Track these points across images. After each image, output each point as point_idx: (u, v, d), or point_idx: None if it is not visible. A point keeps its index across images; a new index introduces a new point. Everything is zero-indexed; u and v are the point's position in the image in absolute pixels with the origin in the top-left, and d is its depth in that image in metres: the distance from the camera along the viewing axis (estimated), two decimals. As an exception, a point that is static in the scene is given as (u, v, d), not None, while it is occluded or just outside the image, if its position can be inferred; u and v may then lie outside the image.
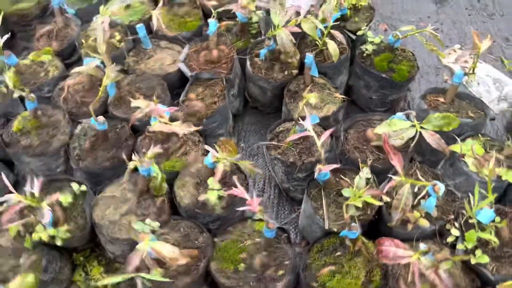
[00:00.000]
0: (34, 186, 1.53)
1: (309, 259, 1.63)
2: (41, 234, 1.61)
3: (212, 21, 2.18)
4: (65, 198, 1.70)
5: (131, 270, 1.34)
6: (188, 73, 2.19)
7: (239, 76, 2.31)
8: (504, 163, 1.79)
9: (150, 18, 2.43)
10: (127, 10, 2.42)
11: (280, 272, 1.58)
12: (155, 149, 1.73)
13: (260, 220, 1.72)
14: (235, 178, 1.67)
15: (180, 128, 1.81)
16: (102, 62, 2.03)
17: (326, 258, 1.61)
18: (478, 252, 1.55)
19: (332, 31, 2.08)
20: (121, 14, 2.39)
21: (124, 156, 1.80)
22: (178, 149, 1.96)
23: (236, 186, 1.52)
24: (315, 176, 1.66)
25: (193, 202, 1.77)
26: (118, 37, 2.30)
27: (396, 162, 1.50)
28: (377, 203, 1.52)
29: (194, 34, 2.42)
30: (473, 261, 1.54)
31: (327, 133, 1.63)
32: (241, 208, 1.52)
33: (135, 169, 1.82)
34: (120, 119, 2.06)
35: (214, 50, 2.20)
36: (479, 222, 1.57)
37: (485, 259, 1.53)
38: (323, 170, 1.60)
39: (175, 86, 2.29)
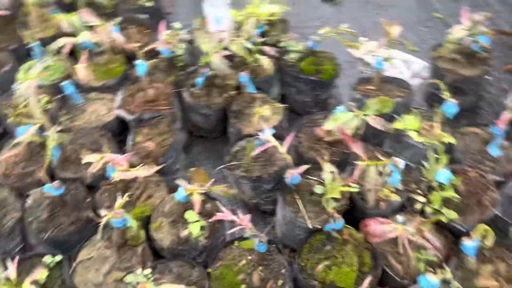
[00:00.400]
0: (9, 269, 1.41)
1: (302, 261, 1.69)
2: (25, 319, 1.48)
3: (140, 62, 2.18)
4: (41, 275, 1.59)
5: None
6: (128, 117, 2.16)
7: (179, 109, 2.32)
8: (439, 128, 2.01)
9: (72, 74, 2.37)
10: (46, 70, 2.33)
11: (280, 282, 1.62)
12: (123, 198, 1.69)
13: (245, 239, 1.75)
14: (209, 206, 1.69)
15: (142, 172, 1.78)
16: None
17: (318, 255, 1.68)
18: (446, 210, 1.72)
19: (262, 47, 2.19)
20: (42, 75, 2.29)
21: (91, 215, 1.73)
22: (141, 194, 1.93)
23: (211, 215, 1.54)
24: (286, 182, 1.73)
25: (174, 241, 1.74)
26: (45, 99, 2.20)
27: (358, 149, 1.63)
28: (354, 189, 1.63)
29: (121, 79, 2.40)
30: (443, 219, 1.70)
31: (289, 139, 1.72)
32: (232, 230, 1.54)
33: (105, 225, 1.76)
34: (71, 180, 1.97)
35: (149, 89, 2.20)
36: (439, 184, 1.75)
37: (453, 215, 1.70)
38: (294, 174, 1.67)
39: (116, 134, 2.24)
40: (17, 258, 1.47)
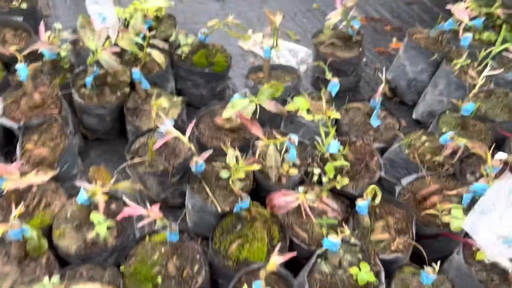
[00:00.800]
0: None
1: (215, 244, 1.73)
2: None
3: (21, 65, 2.03)
4: None
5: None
6: (14, 125, 2.01)
7: (69, 112, 2.22)
8: (326, 107, 2.19)
9: None
10: None
11: (196, 268, 1.64)
12: (18, 209, 1.58)
13: (155, 232, 1.74)
14: (114, 206, 1.66)
15: (36, 178, 1.68)
16: None
17: (230, 236, 1.74)
18: (339, 178, 1.89)
19: (152, 40, 2.18)
20: None
21: (-17, 231, 1.59)
22: (38, 204, 1.81)
23: (118, 214, 1.52)
24: (192, 170, 1.76)
25: (81, 245, 1.67)
26: None
27: (256, 129, 1.71)
28: (258, 167, 1.71)
29: (1, 87, 2.22)
30: (338, 186, 1.87)
31: (191, 126, 1.74)
32: (141, 223, 1.52)
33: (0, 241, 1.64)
34: (-47, 199, 1.79)
35: (35, 93, 2.07)
36: (331, 155, 1.91)
37: (346, 181, 1.87)
38: (199, 161, 1.71)
39: (2, 145, 2.08)
40: None
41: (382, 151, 2.12)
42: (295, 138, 1.79)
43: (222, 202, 1.81)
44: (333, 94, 2.18)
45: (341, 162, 1.88)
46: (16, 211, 1.57)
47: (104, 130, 2.33)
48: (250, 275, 1.60)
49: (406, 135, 2.05)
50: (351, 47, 2.56)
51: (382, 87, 2.07)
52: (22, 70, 2.03)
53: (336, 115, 2.07)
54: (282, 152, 1.85)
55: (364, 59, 3.00)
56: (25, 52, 2.07)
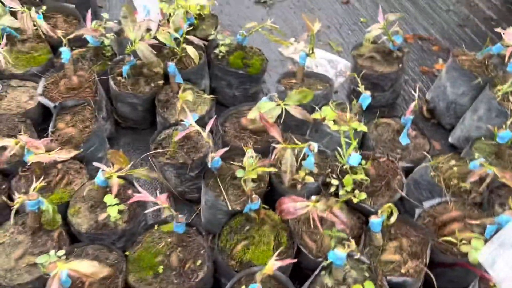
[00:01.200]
0: None
1: (221, 242, 1.73)
2: None
3: (64, 49, 2.14)
4: None
5: (52, 298, 1.27)
6: (50, 104, 2.11)
7: (105, 98, 2.30)
8: (355, 119, 2.14)
9: (-9, 61, 2.28)
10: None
11: (198, 262, 1.65)
12: (39, 182, 1.65)
13: (166, 222, 1.76)
14: (130, 191, 1.69)
15: (60, 155, 1.75)
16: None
17: (237, 236, 1.73)
18: (356, 192, 1.83)
19: (188, 36, 2.22)
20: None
21: (4, 198, 1.68)
22: (60, 181, 1.89)
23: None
24: (209, 166, 1.77)
25: (92, 225, 1.72)
26: (-41, 84, 2.11)
27: (275, 132, 1.70)
28: (269, 169, 1.69)
29: (45, 68, 2.34)
30: (355, 200, 1.81)
31: (210, 122, 1.76)
32: (149, 210, 1.55)
33: (17, 211, 1.71)
34: (-15, 166, 1.89)
35: (73, 76, 2.17)
36: (351, 168, 1.86)
37: (363, 195, 1.81)
38: (215, 157, 1.71)
39: (38, 122, 2.19)
40: None
41: (408, 171, 2.04)
42: (314, 145, 1.76)
43: (234, 201, 1.80)
44: (364, 107, 2.13)
45: (361, 176, 1.83)
46: (36, 184, 1.64)
47: (136, 119, 2.40)
48: (250, 277, 1.58)
49: (434, 157, 1.96)
50: (391, 62, 2.49)
51: (413, 105, 1.99)
52: (65, 53, 2.14)
53: (361, 127, 2.02)
54: (300, 159, 1.82)
55: (406, 77, 2.92)
56: (70, 37, 2.18)
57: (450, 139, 2.49)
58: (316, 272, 1.62)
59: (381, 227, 1.67)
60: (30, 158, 1.70)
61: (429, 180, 1.89)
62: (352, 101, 2.22)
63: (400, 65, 2.47)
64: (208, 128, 1.76)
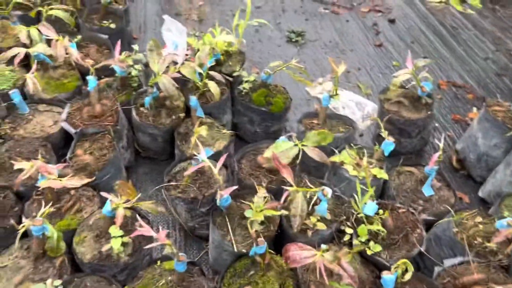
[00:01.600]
0: None
1: (224, 285, 1.65)
2: None
3: (90, 77, 2.19)
4: None
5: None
6: (72, 130, 2.14)
7: (126, 127, 2.33)
8: (376, 165, 2.05)
9: (23, 84, 2.37)
10: (-4, 78, 2.33)
11: (198, 305, 1.58)
12: (47, 208, 1.65)
13: (169, 258, 1.71)
14: (138, 223, 1.66)
15: (72, 182, 1.76)
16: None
17: (241, 280, 1.65)
18: (371, 243, 1.73)
19: (210, 72, 2.23)
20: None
21: (12, 222, 1.68)
22: (71, 207, 1.89)
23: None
24: (217, 203, 1.72)
25: (96, 255, 1.69)
26: (-11, 105, 2.18)
27: (287, 174, 1.64)
28: (277, 213, 1.63)
29: (73, 95, 2.40)
30: (369, 252, 1.71)
31: (222, 159, 1.73)
32: (149, 246, 1.51)
33: (26, 235, 1.71)
34: (2, 187, 1.92)
35: (97, 104, 2.20)
36: (367, 217, 1.76)
37: (378, 247, 1.71)
38: (224, 194, 1.67)
39: (59, 147, 2.22)
40: None
41: (430, 225, 1.92)
42: (328, 190, 1.69)
43: (241, 242, 1.74)
44: (386, 153, 2.04)
45: (377, 227, 1.73)
46: (43, 209, 1.64)
47: (156, 150, 2.40)
48: (248, 326, 1.49)
49: (458, 212, 1.83)
50: (419, 108, 2.41)
51: (438, 155, 1.89)
52: (91, 81, 2.19)
53: (382, 174, 1.94)
54: (312, 203, 1.75)
55: (436, 124, 2.81)
56: (97, 66, 2.24)
57: (480, 193, 2.35)
58: (320, 327, 1.51)
59: (395, 284, 1.55)
60: (42, 183, 1.71)
61: (452, 236, 1.76)
62: (376, 146, 2.14)
63: (429, 112, 2.38)
64: (219, 164, 1.73)
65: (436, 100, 3.00)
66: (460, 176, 2.49)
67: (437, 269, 1.71)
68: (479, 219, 1.80)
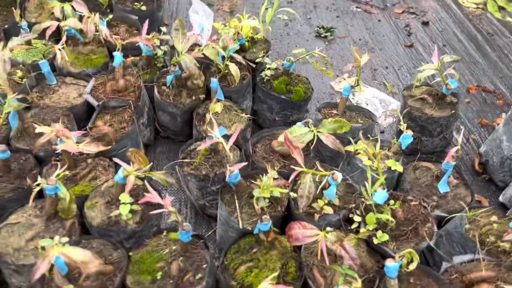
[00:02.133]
0: None
1: (226, 260, 1.66)
2: None
3: (117, 53, 2.25)
4: (-38, 227, 1.59)
5: (36, 278, 1.27)
6: (95, 103, 2.20)
7: (148, 105, 2.37)
8: (393, 158, 2.02)
9: (53, 58, 2.45)
10: (29, 49, 2.42)
11: (198, 276, 1.58)
12: (62, 169, 1.71)
13: (176, 230, 1.73)
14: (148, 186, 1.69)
15: (88, 148, 1.80)
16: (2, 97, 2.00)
17: (243, 257, 1.65)
18: (379, 233, 1.70)
19: (232, 54, 2.25)
20: (22, 50, 2.39)
21: (29, 181, 1.74)
22: (87, 175, 1.94)
23: (149, 203, 1.54)
24: (226, 180, 1.73)
25: (104, 220, 1.73)
26: (20, 73, 2.27)
27: (297, 154, 1.64)
28: (284, 191, 1.62)
29: (99, 70, 2.47)
30: (375, 241, 1.68)
31: (234, 136, 1.74)
32: (155, 211, 1.53)
33: (42, 196, 1.77)
34: (24, 151, 2.00)
35: (121, 80, 2.26)
36: (376, 206, 1.74)
37: (385, 237, 1.68)
38: (234, 170, 1.68)
39: (82, 119, 2.29)
40: None
41: (444, 222, 1.87)
42: (338, 175, 1.67)
43: (247, 220, 1.74)
44: (403, 146, 2.01)
45: (386, 216, 1.69)
46: (59, 171, 1.69)
47: (175, 130, 2.44)
48: (246, 301, 1.49)
49: (473, 210, 1.78)
50: (442, 107, 2.35)
51: (455, 150, 1.84)
52: (117, 57, 2.25)
53: (397, 166, 1.90)
54: (321, 187, 1.73)
55: (461, 127, 2.73)
56: (124, 42, 2.30)
57: (501, 198, 2.27)
58: (318, 309, 1.50)
59: (398, 273, 1.52)
60: (60, 146, 1.77)
61: (463, 233, 1.71)
62: (394, 139, 2.11)
63: (453, 111, 2.32)
64: (231, 141, 1.74)
65: (463, 102, 2.92)
66: (481, 180, 2.41)
67: (445, 264, 1.67)
68: (494, 218, 1.74)
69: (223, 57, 2.30)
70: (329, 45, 3.43)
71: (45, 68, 2.26)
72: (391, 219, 1.70)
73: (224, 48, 2.28)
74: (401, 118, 2.01)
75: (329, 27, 3.55)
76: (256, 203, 1.62)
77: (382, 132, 2.68)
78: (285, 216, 1.81)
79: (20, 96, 2.02)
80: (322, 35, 3.50)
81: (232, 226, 1.75)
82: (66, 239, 1.54)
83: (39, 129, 1.82)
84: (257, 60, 2.50)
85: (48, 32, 2.30)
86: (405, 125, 2.00)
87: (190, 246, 1.66)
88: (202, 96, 2.33)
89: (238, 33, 2.40)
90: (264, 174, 1.77)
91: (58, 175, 1.68)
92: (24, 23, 2.41)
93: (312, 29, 3.58)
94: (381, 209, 1.75)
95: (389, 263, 1.49)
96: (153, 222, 1.78)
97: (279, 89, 2.41)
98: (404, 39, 3.56)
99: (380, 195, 1.68)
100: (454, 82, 2.28)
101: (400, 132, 2.35)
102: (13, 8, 2.72)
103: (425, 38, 3.58)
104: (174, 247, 1.65)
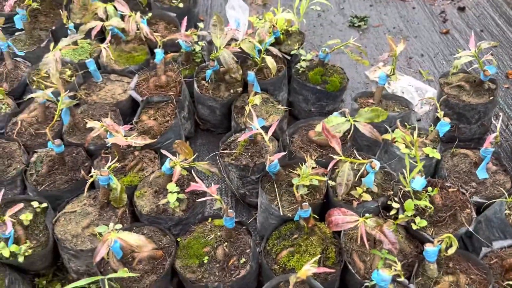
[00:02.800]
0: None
1: (268, 245, 1.74)
2: (3, 251, 1.61)
3: (158, 50, 2.36)
4: (26, 216, 1.73)
5: (97, 261, 1.38)
6: (139, 98, 2.32)
7: (188, 99, 2.47)
8: (430, 145, 2.03)
9: (98, 56, 2.58)
10: (76, 49, 2.56)
11: (243, 260, 1.67)
12: (113, 161, 1.82)
13: (220, 217, 1.82)
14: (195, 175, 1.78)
15: (136, 141, 1.91)
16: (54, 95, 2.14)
17: (284, 242, 1.73)
18: (417, 219, 1.73)
19: (268, 47, 2.31)
20: (70, 50, 2.53)
21: (82, 172, 1.87)
22: (134, 166, 2.05)
23: (194, 193, 1.63)
24: (266, 169, 1.81)
25: (153, 209, 1.84)
26: (68, 72, 2.41)
27: (335, 143, 1.69)
28: (323, 179, 1.68)
29: (141, 67, 2.58)
30: (414, 227, 1.71)
31: (273, 126, 1.80)
32: (201, 199, 1.62)
33: (93, 187, 1.90)
34: (76, 145, 2.13)
35: (162, 76, 2.36)
36: (414, 192, 1.77)
37: (424, 223, 1.71)
38: (273, 160, 1.75)
39: (127, 114, 2.41)
40: (2, 191, 1.61)
41: (483, 208, 1.87)
42: (376, 163, 1.71)
43: (287, 207, 1.81)
44: (441, 133, 2.02)
45: (424, 203, 1.73)
46: (110, 163, 1.81)
47: (214, 122, 2.53)
48: (288, 284, 1.56)
49: (513, 196, 1.78)
50: (480, 93, 2.33)
51: (494, 136, 1.84)
52: (158, 54, 2.35)
53: (434, 154, 1.92)
54: (359, 175, 1.78)
55: (500, 114, 2.69)
56: (164, 39, 2.40)
57: (542, 184, 2.24)
58: (358, 292, 1.55)
59: (437, 257, 1.56)
60: (110, 140, 1.89)
61: (503, 218, 1.72)
62: (431, 127, 2.12)
63: (491, 98, 2.30)
64: (271, 131, 1.81)
65: (502, 88, 2.87)
66: (523, 167, 2.38)
67: (484, 249, 1.69)
68: (535, 203, 1.74)
69: (259, 51, 2.36)
70: (363, 34, 3.43)
71: (92, 66, 2.39)
72: (429, 205, 1.73)
73: (260, 42, 2.34)
74: (438, 105, 2.02)
75: (362, 16, 3.55)
76: (296, 190, 1.68)
77: (418, 120, 2.68)
78: (324, 204, 1.87)
79: (71, 94, 2.15)
80: (356, 25, 3.50)
81: (272, 213, 1.83)
82: (119, 226, 1.66)
83: (90, 124, 1.95)
84: (292, 52, 2.55)
85: (94, 32, 2.42)
86: (442, 112, 2.01)
87: (233, 232, 1.74)
88: (240, 89, 2.40)
89: (273, 26, 2.46)
90: (303, 163, 1.83)
91: (110, 166, 1.80)
92: (70, 24, 2.55)
93: (345, 19, 3.59)
94: (419, 196, 1.78)
95: (428, 247, 1.53)
96: (198, 209, 1.88)
97: (315, 80, 2.45)
98: (440, 26, 3.51)
99: (418, 182, 1.71)
100: (492, 68, 2.26)
101: (437, 120, 2.35)
102: (60, 10, 2.88)
103: (461, 24, 3.52)
104: (219, 233, 1.75)
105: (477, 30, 3.46)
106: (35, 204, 1.80)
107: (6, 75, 2.48)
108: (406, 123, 2.13)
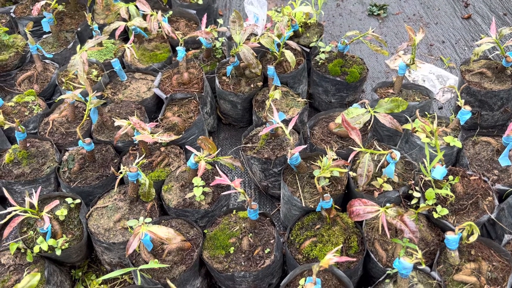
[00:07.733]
0: (33, 199, 1.66)
1: (291, 236, 1.79)
2: (42, 245, 1.72)
3: (180, 48, 2.42)
4: (62, 212, 1.83)
5: (129, 253, 1.46)
6: (163, 95, 2.39)
7: (210, 95, 2.53)
8: (451, 134, 2.04)
9: (122, 55, 2.67)
10: (101, 51, 2.65)
11: (267, 250, 1.73)
12: (141, 158, 1.90)
13: (243, 209, 1.89)
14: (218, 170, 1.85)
15: (162, 138, 1.99)
16: (83, 95, 2.23)
17: (307, 232, 1.78)
18: (439, 207, 1.75)
19: (287, 41, 2.35)
20: (95, 50, 2.61)
21: (112, 169, 1.96)
22: (161, 162, 2.13)
23: (218, 186, 1.70)
24: (288, 161, 1.85)
25: (180, 202, 1.92)
26: (95, 72, 2.50)
27: (355, 135, 1.72)
28: (344, 170, 1.71)
29: (164, 65, 2.65)
30: (435, 215, 1.74)
31: (294, 120, 1.85)
32: (226, 192, 1.68)
33: (123, 182, 1.98)
34: (104, 142, 2.23)
35: (185, 73, 2.43)
36: (435, 181, 1.79)
37: (445, 211, 1.73)
38: (294, 153, 1.79)
39: (152, 111, 2.49)
40: (39, 189, 1.71)
41: (505, 196, 1.88)
42: (397, 153, 1.74)
43: (309, 198, 1.86)
44: (462, 122, 2.02)
45: (445, 191, 1.74)
46: (138, 160, 1.89)
47: (236, 117, 2.59)
48: (311, 272, 1.62)
49: (536, 182, 1.78)
50: (502, 79, 2.31)
51: (516, 123, 1.84)
52: (180, 52, 2.42)
53: (455, 142, 1.93)
54: (379, 165, 1.81)
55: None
56: (185, 37, 2.46)
57: None
58: (380, 279, 1.60)
59: (459, 245, 1.58)
60: (137, 137, 1.96)
61: (526, 205, 1.73)
62: (452, 115, 2.12)
63: (514, 84, 2.28)
64: (291, 125, 1.85)
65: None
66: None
67: (507, 237, 1.70)
68: (558, 190, 1.74)
69: (278, 45, 2.40)
70: (382, 23, 3.41)
71: (117, 66, 2.47)
72: (450, 193, 1.74)
73: (279, 36, 2.38)
74: (458, 94, 2.02)
75: (381, 4, 3.53)
76: (317, 182, 1.72)
77: (440, 108, 2.68)
78: (345, 195, 1.91)
79: (98, 94, 2.24)
80: (375, 13, 3.48)
81: (295, 204, 1.88)
82: (149, 219, 1.75)
83: (117, 122, 2.03)
84: (311, 45, 2.58)
85: (117, 33, 2.50)
86: (463, 101, 2.01)
87: (258, 223, 1.80)
88: (260, 84, 2.45)
89: (292, 19, 2.48)
90: (323, 155, 1.87)
91: (138, 163, 1.88)
92: (95, 25, 2.63)
93: (364, 8, 3.57)
94: (440, 185, 1.80)
95: (449, 235, 1.55)
96: (223, 202, 1.95)
97: (334, 72, 2.47)
98: (461, 11, 3.46)
99: (439, 171, 1.73)
100: (514, 54, 2.24)
101: (458, 108, 2.35)
102: (84, 12, 2.97)
103: (483, 8, 3.46)
104: (243, 225, 1.81)
105: (499, 14, 3.40)
106: (69, 200, 1.89)
107: (36, 77, 2.60)
108: (426, 113, 2.14)
